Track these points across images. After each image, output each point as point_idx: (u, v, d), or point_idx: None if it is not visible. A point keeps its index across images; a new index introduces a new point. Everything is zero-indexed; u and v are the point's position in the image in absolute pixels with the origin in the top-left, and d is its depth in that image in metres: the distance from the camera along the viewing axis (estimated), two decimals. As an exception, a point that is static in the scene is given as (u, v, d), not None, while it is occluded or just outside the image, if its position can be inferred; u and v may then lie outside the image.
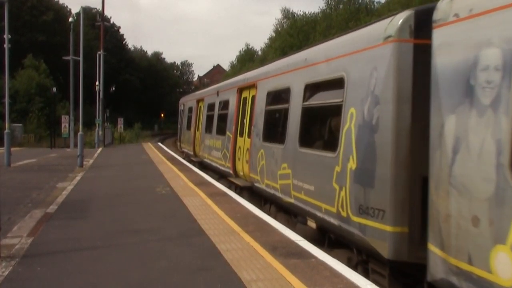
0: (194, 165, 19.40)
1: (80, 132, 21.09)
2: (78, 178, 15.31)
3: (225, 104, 14.92)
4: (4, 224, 7.60)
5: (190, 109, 23.20)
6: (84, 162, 19.96)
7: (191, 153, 21.48)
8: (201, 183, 13.53)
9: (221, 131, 14.90)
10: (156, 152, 28.22)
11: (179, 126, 28.40)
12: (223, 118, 14.99)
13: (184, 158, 23.07)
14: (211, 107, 17.40)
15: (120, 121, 45.49)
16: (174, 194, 11.71)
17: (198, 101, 20.93)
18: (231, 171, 13.32)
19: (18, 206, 10.33)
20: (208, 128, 17.39)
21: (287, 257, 6.25)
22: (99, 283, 5.44)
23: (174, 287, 5.30)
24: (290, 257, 6.26)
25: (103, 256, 6.51)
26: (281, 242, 7.05)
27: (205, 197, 11.14)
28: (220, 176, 15.38)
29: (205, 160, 17.73)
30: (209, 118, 17.48)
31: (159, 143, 41.12)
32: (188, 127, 23.20)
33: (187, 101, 25.46)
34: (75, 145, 29.69)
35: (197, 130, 20.23)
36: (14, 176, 15.77)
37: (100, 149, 33.11)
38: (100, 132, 36.61)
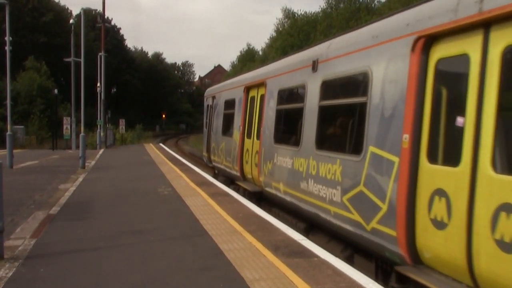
0: (237, 191, 12.47)
1: (82, 134, 21.14)
2: (80, 179, 15.33)
3: (350, 87, 7.35)
4: (7, 225, 7.63)
5: (230, 104, 14.78)
6: (86, 164, 19.99)
7: (235, 173, 13.31)
8: (202, 183, 13.55)
9: (339, 143, 7.47)
10: (157, 152, 28.26)
11: (205, 129, 19.27)
12: (349, 118, 7.28)
13: (215, 177, 15.99)
14: (291, 96, 9.91)
15: (122, 122, 45.62)
16: (176, 194, 11.73)
17: (248, 89, 12.95)
18: (402, 254, 5.54)
19: (21, 207, 10.36)
20: (287, 136, 9.74)
21: (290, 256, 6.27)
22: (102, 283, 5.46)
23: (177, 287, 5.32)
24: (292, 256, 6.27)
25: (106, 257, 6.53)
26: (283, 241, 7.07)
27: (207, 197, 11.16)
28: (313, 226, 8.60)
29: (280, 194, 9.66)
30: (290, 118, 9.90)
31: (161, 144, 41.20)
32: (226, 132, 14.90)
33: (222, 92, 16.53)
34: (77, 147, 29.79)
35: (249, 137, 12.34)
36: (17, 177, 15.80)
37: (102, 150, 33.16)
38: (101, 133, 36.69)
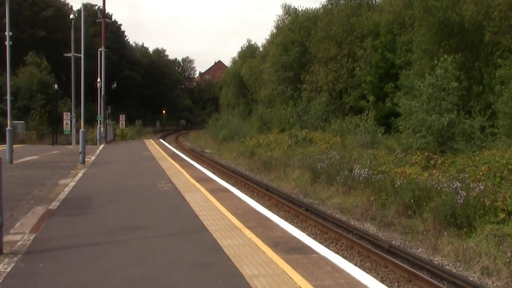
0: None
1: (82, 129, 21.12)
2: (80, 174, 15.32)
3: None
4: (6, 220, 7.64)
5: None
6: (86, 159, 19.97)
7: None
8: (202, 179, 13.54)
9: None
10: (157, 148, 28.24)
11: None
12: None
13: None
14: None
15: (122, 117, 45.62)
16: (176, 190, 11.72)
17: None
18: None
19: (21, 202, 10.35)
20: None
21: (289, 253, 6.27)
22: (101, 279, 5.45)
23: (176, 283, 5.31)
24: (291, 253, 6.27)
25: (105, 252, 6.53)
26: (282, 237, 7.06)
27: (206, 193, 11.16)
28: None
29: None
30: None
31: (161, 140, 41.18)
32: None
33: None
34: (77, 142, 29.78)
35: None
36: (16, 173, 15.79)
37: (102, 145, 33.16)
38: (102, 129, 36.67)
